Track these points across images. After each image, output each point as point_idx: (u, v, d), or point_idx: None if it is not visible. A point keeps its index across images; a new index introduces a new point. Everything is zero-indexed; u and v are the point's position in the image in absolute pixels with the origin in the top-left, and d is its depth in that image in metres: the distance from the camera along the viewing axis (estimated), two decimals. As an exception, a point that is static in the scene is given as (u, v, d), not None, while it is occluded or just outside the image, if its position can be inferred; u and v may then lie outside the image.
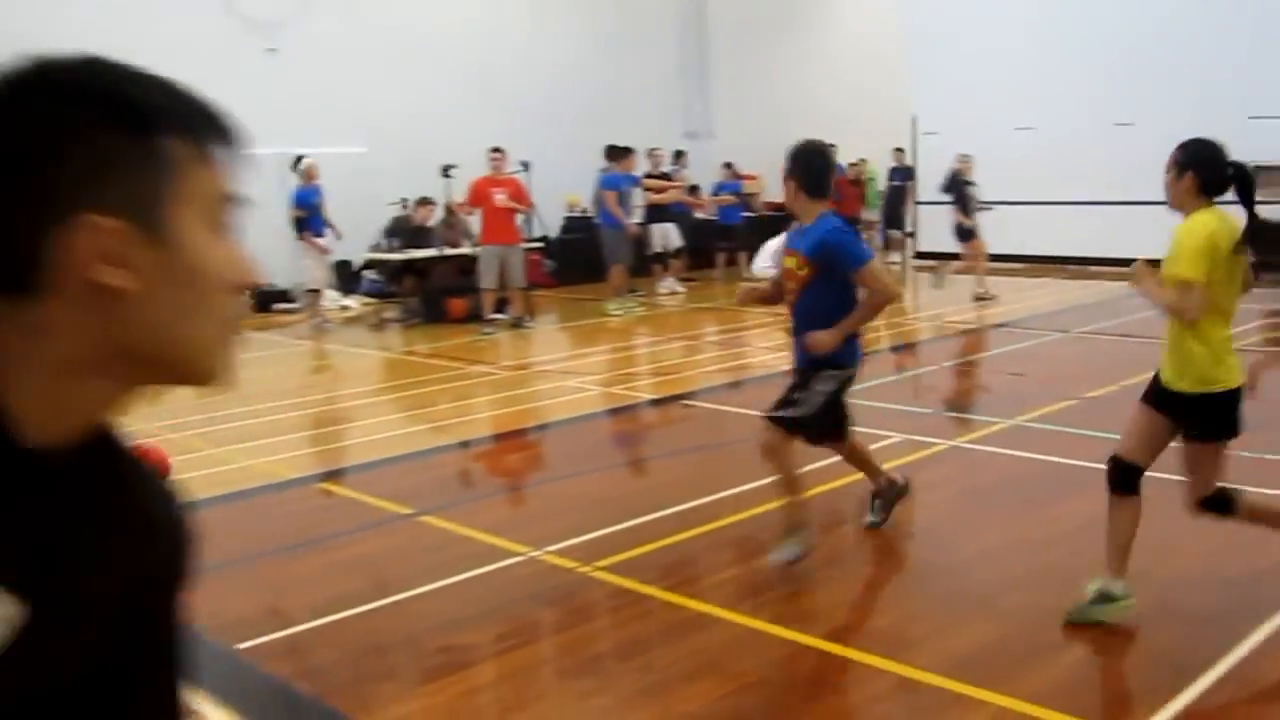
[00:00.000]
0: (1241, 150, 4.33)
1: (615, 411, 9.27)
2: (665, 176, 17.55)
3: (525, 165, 14.89)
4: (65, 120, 0.91)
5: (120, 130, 0.92)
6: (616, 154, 15.41)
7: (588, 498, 6.76)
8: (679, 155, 19.08)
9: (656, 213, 17.00)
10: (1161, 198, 4.33)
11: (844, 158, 20.00)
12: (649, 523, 6.10)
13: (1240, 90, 16.22)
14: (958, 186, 15.02)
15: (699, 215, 18.83)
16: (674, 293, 16.91)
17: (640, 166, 16.66)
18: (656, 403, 9.47)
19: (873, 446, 7.42)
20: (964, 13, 19.61)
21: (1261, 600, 4.73)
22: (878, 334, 12.74)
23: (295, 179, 14.25)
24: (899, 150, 20.49)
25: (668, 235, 17.18)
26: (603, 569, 5.41)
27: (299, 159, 14.27)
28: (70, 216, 0.90)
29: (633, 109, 20.09)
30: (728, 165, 19.43)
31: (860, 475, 6.04)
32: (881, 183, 21.19)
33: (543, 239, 17.34)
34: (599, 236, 15.61)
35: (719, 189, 19.15)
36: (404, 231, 15.57)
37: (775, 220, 20.96)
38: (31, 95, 0.91)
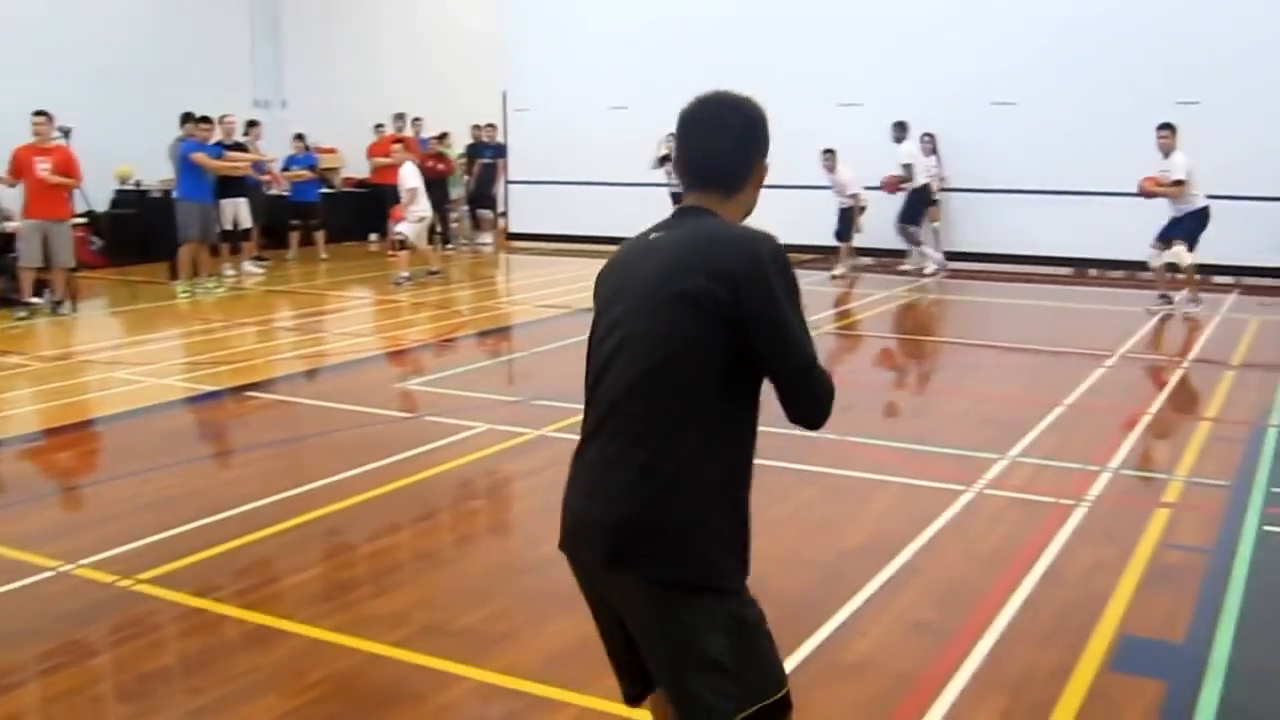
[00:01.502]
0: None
1: (171, 405, 8.70)
2: (240, 148, 16.71)
3: (66, 132, 13.70)
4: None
5: None
6: (194, 120, 14.55)
7: (136, 502, 6.28)
8: (251, 125, 18.19)
9: (227, 187, 16.11)
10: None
11: (429, 132, 19.96)
12: (206, 527, 5.76)
13: (826, 79, 17.47)
14: None
15: (272, 191, 18.05)
16: (248, 274, 16.14)
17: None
18: (219, 394, 8.98)
19: (456, 438, 7.42)
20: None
21: (843, 582, 5.06)
22: (466, 319, 12.74)
23: None
24: (490, 126, 20.59)
25: (239, 212, 16.35)
26: (148, 581, 5.05)
27: None
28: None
29: (196, 73, 18.98)
30: (299, 137, 18.71)
31: (447, 465, 5.97)
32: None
33: (88, 214, 16.09)
34: (175, 209, 14.58)
35: (290, 162, 18.38)
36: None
37: (359, 197, 20.61)
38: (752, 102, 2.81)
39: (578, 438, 2.66)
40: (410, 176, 15.44)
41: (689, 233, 2.60)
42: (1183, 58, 15.39)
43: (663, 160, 17.83)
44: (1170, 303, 13.01)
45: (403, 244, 15.48)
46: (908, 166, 16.04)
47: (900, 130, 16.22)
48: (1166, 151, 12.65)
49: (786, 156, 15.73)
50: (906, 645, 4.51)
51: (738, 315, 2.44)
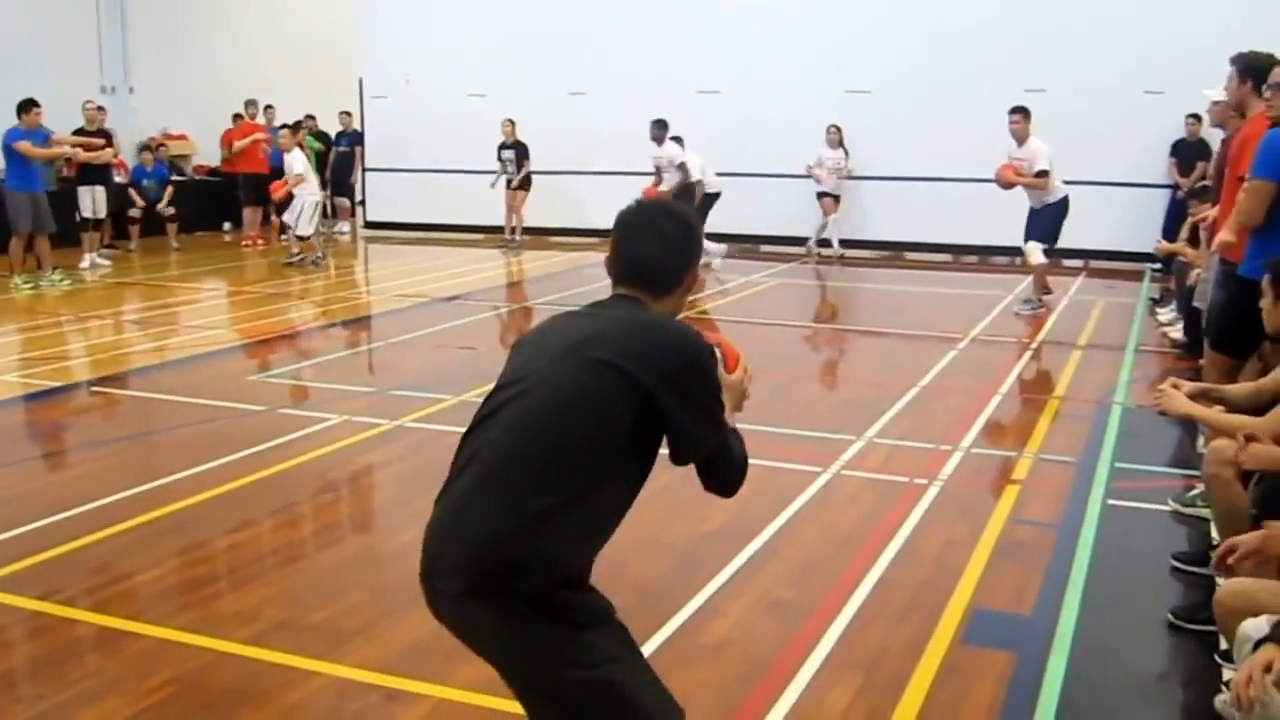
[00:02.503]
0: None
1: (8, 403, 8.37)
2: (103, 135, 16.11)
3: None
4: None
5: None
6: (23, 107, 13.99)
7: (-33, 504, 6.03)
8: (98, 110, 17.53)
9: (88, 175, 15.57)
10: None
11: (282, 118, 19.52)
12: (48, 527, 5.56)
13: (684, 68, 17.56)
14: None
15: (119, 179, 17.45)
16: (96, 266, 15.59)
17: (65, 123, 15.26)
18: (62, 390, 8.67)
19: (311, 430, 7.28)
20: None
21: (702, 564, 5.09)
22: (323, 310, 12.52)
23: None
24: (346, 114, 20.25)
25: (96, 200, 15.77)
26: (-20, 586, 4.84)
27: None
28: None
29: (41, 60, 18.28)
30: (147, 148, 18.07)
31: (301, 458, 5.84)
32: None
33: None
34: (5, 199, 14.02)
35: (139, 175, 17.75)
36: None
37: (212, 186, 20.07)
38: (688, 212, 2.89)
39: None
40: (297, 162, 15.67)
41: (627, 314, 2.69)
42: (1030, 44, 15.85)
43: (501, 146, 17.74)
44: (1045, 296, 12.41)
45: (302, 237, 15.79)
46: (683, 168, 15.27)
47: (660, 129, 15.38)
48: (1020, 138, 11.99)
49: (647, 144, 15.73)
50: (764, 625, 4.56)
51: (661, 399, 2.53)
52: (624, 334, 2.60)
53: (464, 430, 2.67)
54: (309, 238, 15.87)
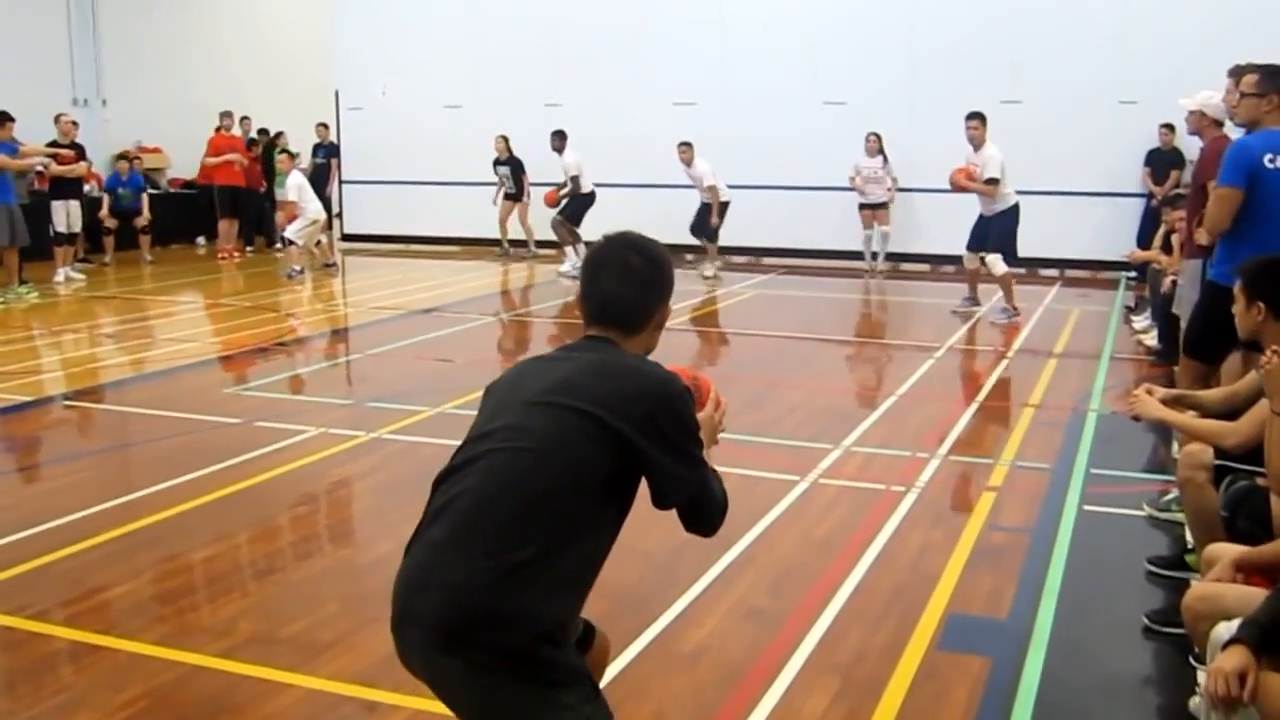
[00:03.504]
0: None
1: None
2: (76, 149, 16.04)
3: None
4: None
5: None
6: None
7: (-59, 519, 5.98)
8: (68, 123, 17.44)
9: (60, 189, 15.52)
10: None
11: (259, 129, 19.53)
12: (18, 542, 5.53)
13: (660, 79, 17.60)
14: None
15: (90, 191, 17.33)
16: (70, 280, 15.52)
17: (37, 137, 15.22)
18: (34, 404, 8.62)
19: (287, 443, 7.26)
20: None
21: (680, 572, 5.09)
22: (299, 322, 12.48)
23: None
24: (322, 126, 20.23)
25: (71, 214, 15.71)
26: (-49, 601, 4.81)
27: None
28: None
29: (6, 71, 18.14)
30: (124, 157, 17.99)
31: (277, 470, 5.82)
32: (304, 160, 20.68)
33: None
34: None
35: (114, 183, 17.58)
36: None
37: (186, 198, 19.99)
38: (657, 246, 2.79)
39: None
40: (292, 188, 16.00)
41: (599, 358, 2.62)
42: (1000, 58, 15.96)
43: (496, 163, 17.83)
44: (977, 305, 12.63)
45: (290, 242, 16.03)
46: (575, 178, 15.79)
47: (560, 140, 16.08)
48: (977, 144, 12.09)
49: (623, 156, 15.90)
50: (742, 632, 4.56)
51: (637, 444, 2.49)
52: (594, 379, 2.55)
53: (439, 471, 2.62)
54: (294, 244, 16.00)
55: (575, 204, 15.98)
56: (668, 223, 16.09)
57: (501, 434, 2.54)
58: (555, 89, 18.21)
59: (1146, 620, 4.57)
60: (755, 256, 17.49)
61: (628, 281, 2.70)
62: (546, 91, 18.22)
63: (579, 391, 2.52)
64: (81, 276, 15.86)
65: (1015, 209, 12.14)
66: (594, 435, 2.47)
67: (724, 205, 15.59)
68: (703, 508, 2.68)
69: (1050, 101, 15.69)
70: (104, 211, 17.20)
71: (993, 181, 11.91)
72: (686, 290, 14.79)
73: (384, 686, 4.04)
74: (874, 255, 16.35)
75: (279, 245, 17.31)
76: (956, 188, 12.41)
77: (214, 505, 6.14)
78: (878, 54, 16.61)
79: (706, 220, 15.64)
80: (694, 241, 15.82)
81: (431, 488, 2.60)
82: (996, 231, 12.15)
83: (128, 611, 4.82)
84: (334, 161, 20.14)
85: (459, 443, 2.64)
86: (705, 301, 13.92)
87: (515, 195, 18.12)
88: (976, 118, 12.16)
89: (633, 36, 17.80)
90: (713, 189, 15.43)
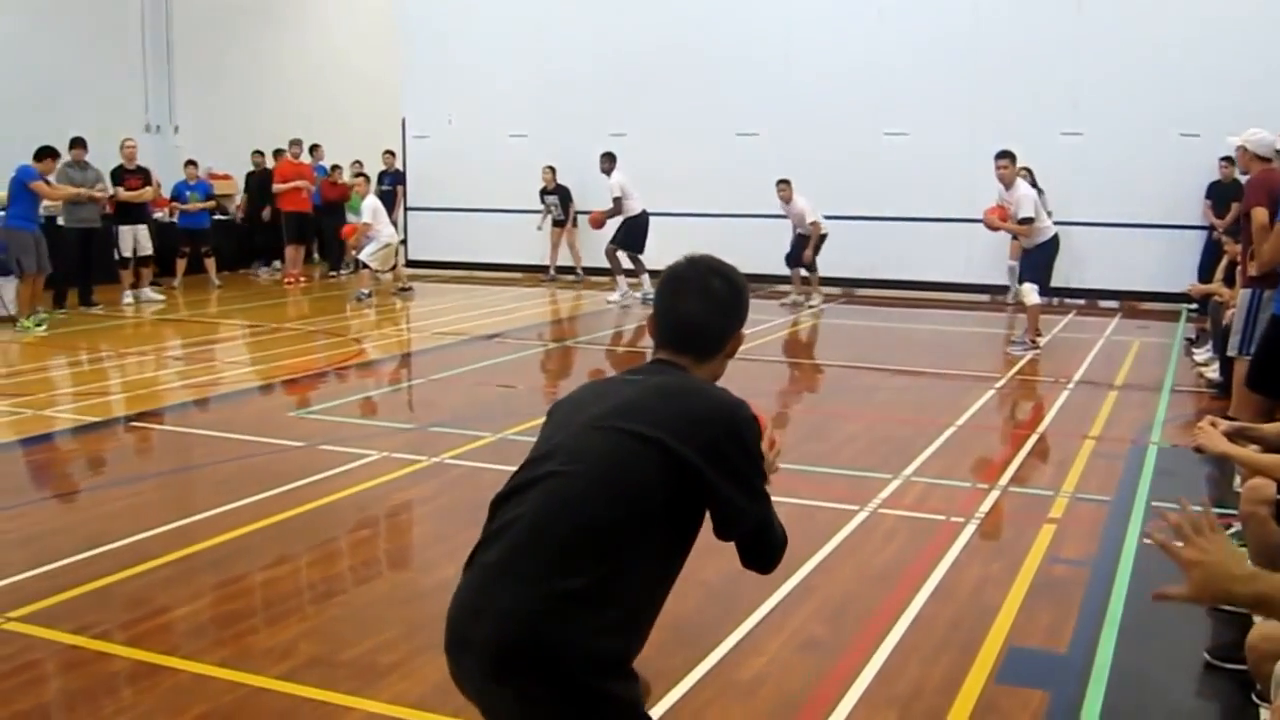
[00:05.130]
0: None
1: (47, 437, 8.44)
2: (142, 173, 16.35)
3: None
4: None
5: None
6: (42, 154, 13.81)
7: (6, 539, 6.06)
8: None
9: (127, 213, 15.85)
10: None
11: (331, 159, 19.76)
12: (83, 562, 5.57)
13: (723, 110, 17.62)
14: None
15: (157, 216, 17.60)
16: (148, 301, 15.83)
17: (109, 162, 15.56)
18: (101, 425, 8.73)
19: (349, 466, 7.30)
20: (458, 14, 19.82)
21: (738, 602, 5.04)
22: (363, 347, 12.57)
23: None
24: (389, 153, 20.43)
25: (139, 238, 16.03)
26: (18, 619, 4.85)
27: None
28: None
29: (87, 98, 18.56)
30: (191, 163, 18.37)
31: (339, 494, 5.84)
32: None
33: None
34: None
35: (181, 189, 17.99)
36: None
37: (250, 226, 20.19)
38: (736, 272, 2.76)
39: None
40: (366, 211, 16.28)
41: (666, 380, 2.57)
42: (1061, 90, 15.82)
43: (543, 193, 17.98)
44: (1039, 335, 12.19)
45: (364, 266, 16.39)
46: (618, 200, 15.72)
47: (609, 162, 16.02)
48: (1007, 183, 11.86)
49: (686, 186, 15.99)
50: (800, 662, 4.51)
51: (701, 471, 2.41)
52: (659, 402, 2.49)
53: (497, 493, 2.58)
54: (368, 267, 16.25)
55: (626, 228, 15.87)
56: (728, 254, 16.09)
57: (561, 457, 2.49)
58: (619, 119, 18.25)
59: (1208, 656, 4.47)
60: (848, 287, 17.38)
61: (707, 304, 2.67)
62: (610, 121, 18.26)
63: (642, 415, 2.46)
64: (161, 298, 16.18)
65: (1054, 240, 12.03)
66: (655, 461, 2.41)
67: (822, 238, 15.46)
68: (763, 542, 2.61)
69: (1112, 133, 15.53)
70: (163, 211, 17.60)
71: (1027, 221, 11.74)
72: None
73: (443, 712, 4.02)
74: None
75: (339, 271, 17.60)
76: (991, 228, 12.39)
77: (275, 528, 6.18)
78: (939, 86, 16.51)
79: (802, 251, 15.55)
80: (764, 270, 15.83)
81: (489, 509, 2.57)
82: (1031, 262, 12.04)
83: (189, 633, 4.85)
84: (400, 189, 20.32)
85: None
86: (762, 330, 13.88)
87: (562, 222, 18.36)
88: (1006, 156, 11.90)
89: (697, 67, 17.82)
90: (815, 224, 15.34)
